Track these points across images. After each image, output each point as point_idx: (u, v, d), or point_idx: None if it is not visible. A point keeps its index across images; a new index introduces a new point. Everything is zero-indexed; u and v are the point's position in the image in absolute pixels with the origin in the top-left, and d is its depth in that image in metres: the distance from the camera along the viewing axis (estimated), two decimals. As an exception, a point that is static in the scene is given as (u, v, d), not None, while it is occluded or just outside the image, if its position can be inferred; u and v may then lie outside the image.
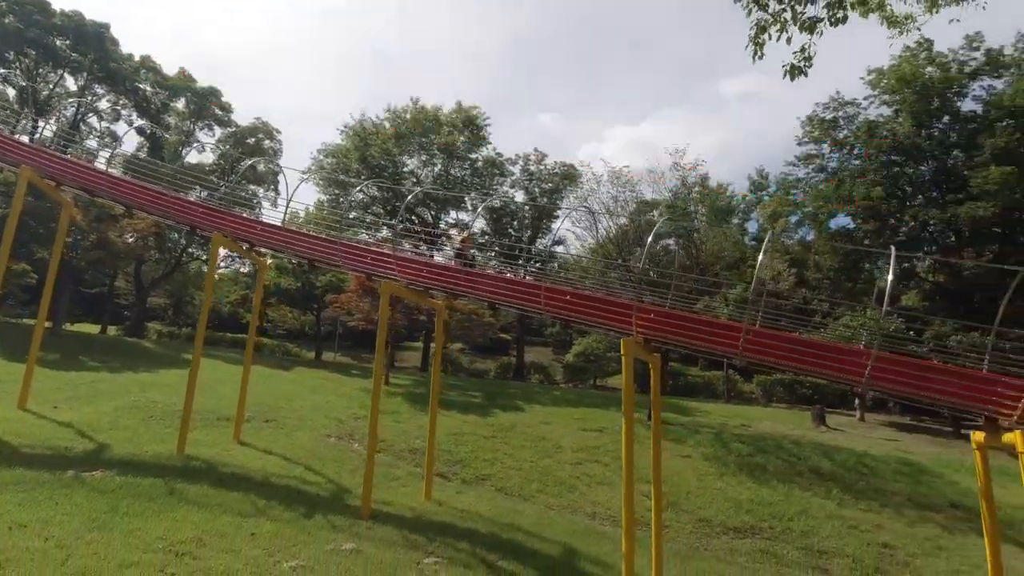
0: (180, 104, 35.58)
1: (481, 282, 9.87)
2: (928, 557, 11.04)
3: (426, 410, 17.26)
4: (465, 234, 13.29)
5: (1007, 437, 7.09)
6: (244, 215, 14.30)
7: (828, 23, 4.53)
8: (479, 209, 33.55)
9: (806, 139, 28.68)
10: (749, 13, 4.43)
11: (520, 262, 17.80)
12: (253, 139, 36.34)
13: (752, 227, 48.83)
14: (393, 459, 13.00)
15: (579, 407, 21.02)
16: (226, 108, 35.82)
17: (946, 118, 24.70)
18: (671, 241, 30.99)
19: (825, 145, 27.92)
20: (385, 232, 28.09)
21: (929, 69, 24.90)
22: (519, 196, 37.76)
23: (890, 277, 7.97)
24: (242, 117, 56.51)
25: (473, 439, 15.20)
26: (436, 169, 34.07)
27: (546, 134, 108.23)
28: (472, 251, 12.70)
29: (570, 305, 8.82)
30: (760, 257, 9.59)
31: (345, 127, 33.60)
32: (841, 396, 28.00)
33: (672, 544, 10.22)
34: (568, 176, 35.99)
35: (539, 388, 29.40)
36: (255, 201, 31.41)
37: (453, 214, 36.47)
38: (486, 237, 36.54)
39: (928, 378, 7.76)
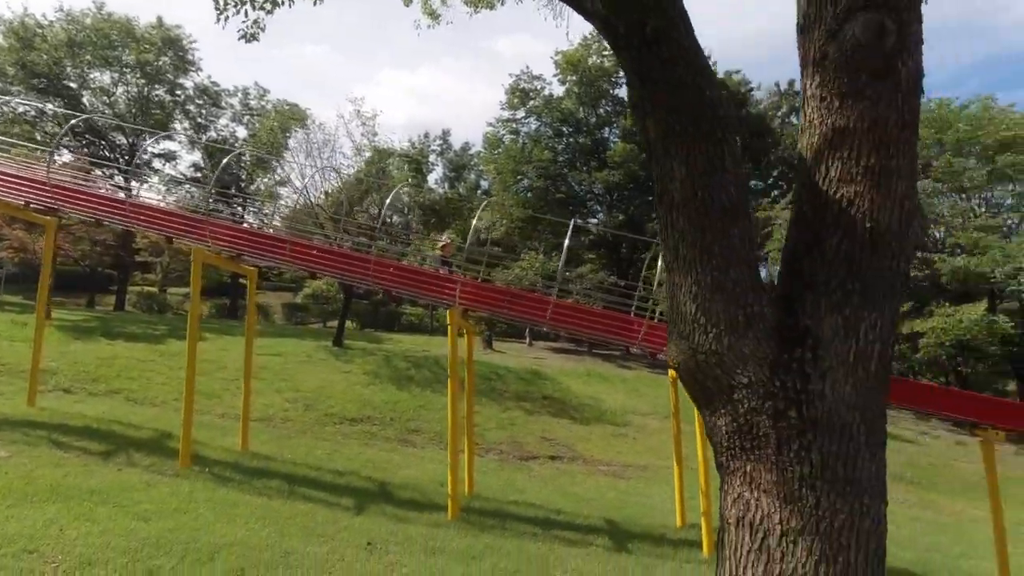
0: None
1: (305, 254, 9.21)
2: (500, 430, 14.67)
3: (84, 340, 16.81)
4: (447, 239, 12.82)
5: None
6: None
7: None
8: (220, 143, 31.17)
9: (506, 106, 32.68)
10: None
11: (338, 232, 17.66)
12: None
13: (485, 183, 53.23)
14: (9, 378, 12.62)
15: (270, 338, 21.94)
16: None
17: (603, 101, 30.55)
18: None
19: (520, 112, 32.28)
20: (68, 157, 24.81)
21: (594, 59, 30.21)
22: (240, 132, 36.15)
23: (567, 243, 9.30)
24: None
25: (125, 361, 15.27)
26: (131, 90, 30.77)
27: (313, 69, 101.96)
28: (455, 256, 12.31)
29: (395, 277, 9.06)
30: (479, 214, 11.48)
31: (-5, 18, 28.05)
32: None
33: (284, 429, 12.07)
34: (295, 117, 35.47)
35: (256, 325, 29.31)
36: None
37: (164, 144, 33.41)
38: (201, 173, 34.35)
39: (585, 319, 9.44)
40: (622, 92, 31.56)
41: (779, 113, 31.60)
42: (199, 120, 33.47)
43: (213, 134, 34.26)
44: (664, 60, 2.44)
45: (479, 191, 51.83)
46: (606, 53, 30.54)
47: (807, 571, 2.24)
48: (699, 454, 8.83)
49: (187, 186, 31.85)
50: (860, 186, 2.46)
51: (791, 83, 32.16)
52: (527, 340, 30.11)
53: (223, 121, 35.54)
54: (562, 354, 27.99)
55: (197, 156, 34.34)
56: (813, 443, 2.32)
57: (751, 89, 32.61)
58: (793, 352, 2.41)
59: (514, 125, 31.84)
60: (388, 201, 17.30)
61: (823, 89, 2.59)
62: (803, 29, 2.70)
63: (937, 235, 22.03)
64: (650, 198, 28.71)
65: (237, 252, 8.79)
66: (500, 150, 32.99)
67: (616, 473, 12.91)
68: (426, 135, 54.29)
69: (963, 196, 21.72)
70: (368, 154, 26.04)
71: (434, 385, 17.75)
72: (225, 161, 14.93)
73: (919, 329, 20.26)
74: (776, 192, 25.50)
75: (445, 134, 53.51)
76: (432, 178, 49.26)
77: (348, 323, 38.23)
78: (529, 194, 29.82)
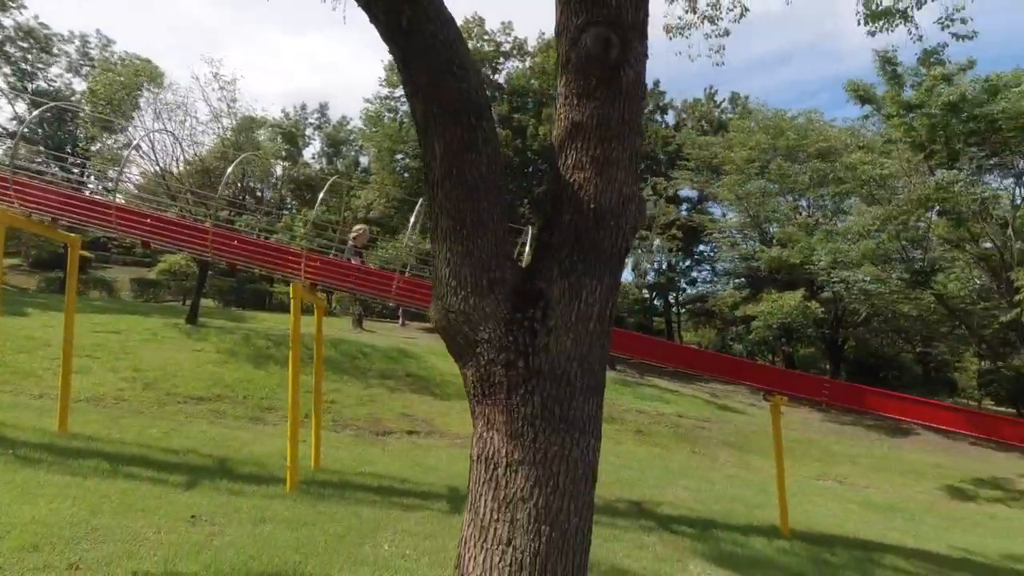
0: None
1: (134, 222, 8.58)
2: (360, 407, 14.69)
3: None
4: (361, 228, 11.30)
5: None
6: None
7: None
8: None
9: (385, 83, 31.97)
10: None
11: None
12: None
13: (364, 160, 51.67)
14: None
15: (112, 315, 20.17)
16: None
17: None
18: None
19: (399, 90, 31.70)
20: None
21: (474, 43, 30.37)
22: (78, 85, 32.33)
23: (413, 219, 9.53)
24: None
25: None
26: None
27: (195, 27, 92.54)
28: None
29: (237, 250, 8.75)
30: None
31: None
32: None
33: (116, 410, 11.31)
34: (146, 74, 32.26)
35: (97, 302, 26.70)
36: None
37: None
38: (28, 129, 30.27)
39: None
40: (500, 78, 32.07)
41: (646, 110, 33.70)
42: (24, 66, 29.50)
43: (43, 84, 30.39)
44: (420, 50, 2.72)
45: (359, 168, 50.33)
46: (486, 37, 30.85)
47: (524, 493, 2.67)
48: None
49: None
50: (588, 172, 2.91)
51: (656, 83, 34.34)
52: (400, 320, 30.00)
53: (56, 70, 31.62)
54: (434, 334, 28.25)
55: (23, 107, 30.26)
56: (536, 388, 2.74)
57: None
58: (527, 312, 2.82)
59: (392, 103, 31.28)
60: (229, 171, 16.33)
61: (567, 88, 3.01)
62: (557, 35, 3.10)
63: (770, 230, 24.71)
64: (524, 184, 29.63)
65: (51, 216, 8.07)
66: (378, 128, 32.31)
67: (469, 445, 13.42)
68: (303, 107, 51.77)
69: (794, 196, 24.56)
70: (226, 121, 24.40)
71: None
72: (37, 113, 13.43)
73: (751, 313, 22.79)
74: (664, 184, 27.10)
75: (323, 107, 51.32)
76: (309, 152, 47.03)
77: (209, 301, 35.91)
78: (407, 174, 29.54)
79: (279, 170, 47.57)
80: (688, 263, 34.71)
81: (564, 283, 2.85)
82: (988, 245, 14.41)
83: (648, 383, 23.79)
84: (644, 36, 3.04)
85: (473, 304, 2.82)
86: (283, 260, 8.61)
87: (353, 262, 9.93)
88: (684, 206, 32.66)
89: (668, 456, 15.15)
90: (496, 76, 31.60)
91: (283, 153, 42.86)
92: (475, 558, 2.72)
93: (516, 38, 30.78)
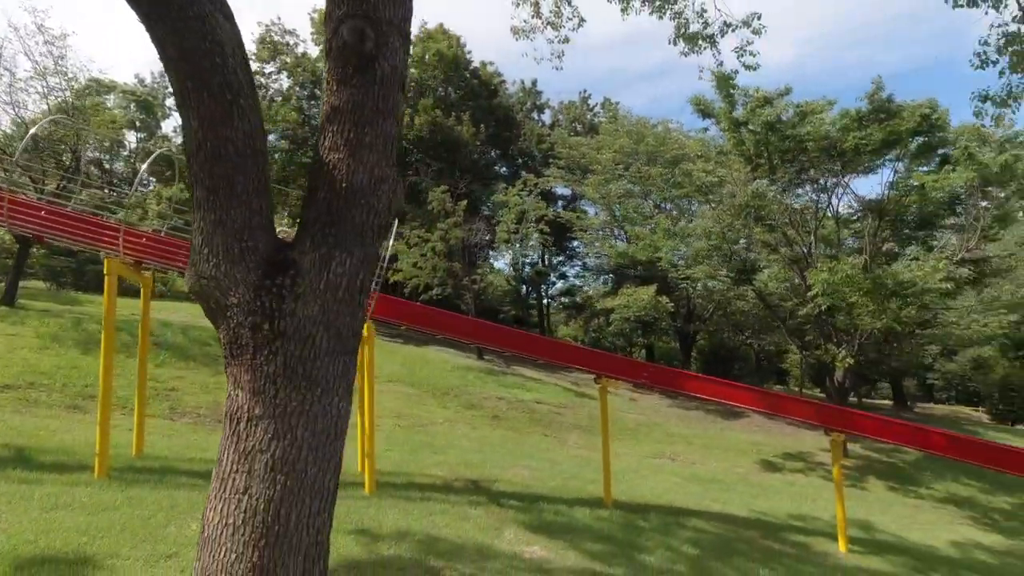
0: None
1: None
2: (205, 394, 14.02)
3: None
4: None
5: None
6: None
7: None
8: None
9: (255, 58, 30.27)
10: None
11: None
12: None
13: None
14: None
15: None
16: None
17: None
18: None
19: (270, 67, 30.21)
20: None
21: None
22: None
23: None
24: None
25: None
26: None
27: None
28: None
29: (46, 221, 8.08)
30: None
31: None
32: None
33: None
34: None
35: None
36: None
37: None
38: None
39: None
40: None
41: (524, 108, 34.70)
42: None
43: None
44: (167, 22, 2.82)
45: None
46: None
47: (262, 445, 2.88)
48: (365, 406, 9.62)
49: None
50: (342, 154, 3.15)
51: (534, 82, 35.50)
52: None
53: None
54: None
55: None
56: (280, 349, 2.96)
57: (502, 82, 35.07)
58: (276, 279, 3.02)
59: (262, 80, 29.67)
60: (32, 132, 14.95)
61: (328, 74, 3.24)
62: (324, 23, 3.32)
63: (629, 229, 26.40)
64: (400, 174, 29.36)
65: None
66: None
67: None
68: (161, 75, 47.41)
69: (652, 198, 26.42)
70: (53, 79, 21.81)
71: (131, 349, 16.12)
72: None
73: (611, 306, 24.33)
74: (519, 179, 27.83)
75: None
76: (171, 125, 43.53)
77: (40, 283, 32.16)
78: (276, 155, 28.22)
79: (132, 142, 43.54)
80: (561, 258, 36.25)
81: (315, 254, 3.08)
82: (798, 249, 16.52)
83: (513, 372, 24.63)
84: (403, 33, 3.33)
85: (224, 271, 2.98)
86: (97, 234, 8.07)
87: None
88: (560, 203, 34.11)
89: (520, 439, 15.89)
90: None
91: (137, 124, 39.19)
92: (215, 508, 2.90)
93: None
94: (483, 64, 34.21)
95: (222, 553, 2.82)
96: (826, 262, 13.68)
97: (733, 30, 8.19)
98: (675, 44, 8.46)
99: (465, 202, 23.43)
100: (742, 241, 17.08)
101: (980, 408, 46.15)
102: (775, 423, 22.67)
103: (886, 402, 38.96)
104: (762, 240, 16.22)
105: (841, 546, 9.89)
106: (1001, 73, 6.98)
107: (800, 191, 17.88)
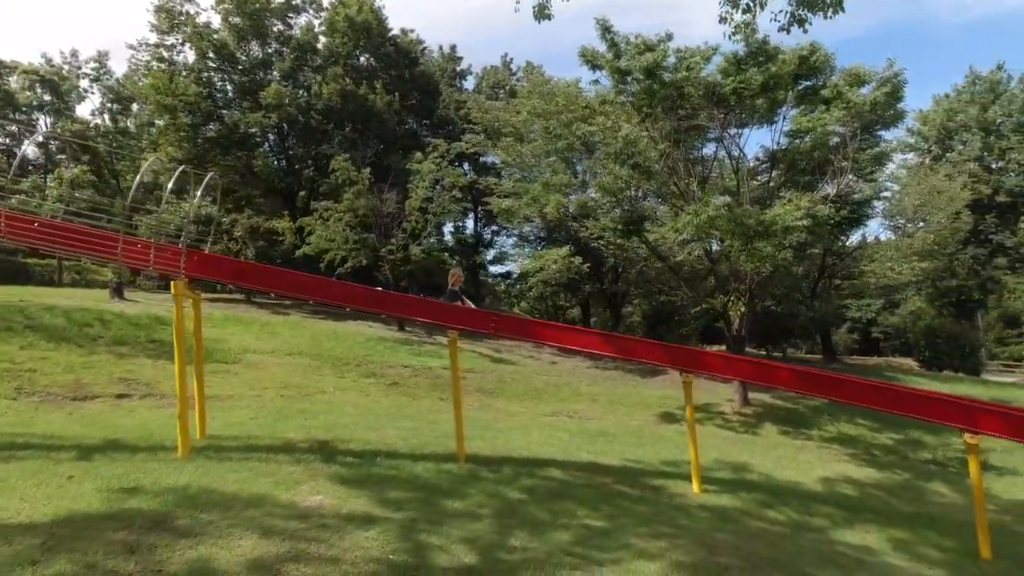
0: None
1: None
2: (66, 374, 13.38)
3: None
4: (456, 271, 9.53)
5: None
6: None
7: None
8: None
9: (154, 28, 28.83)
10: None
11: None
12: None
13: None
14: None
15: None
16: None
17: (267, 39, 29.01)
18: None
19: (170, 38, 28.79)
20: None
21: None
22: None
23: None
24: None
25: None
26: None
27: None
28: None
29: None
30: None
31: None
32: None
33: None
34: None
35: None
36: None
37: None
38: None
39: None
40: (294, 32, 30.36)
41: (445, 75, 33.88)
42: None
43: None
44: None
45: (153, 128, 45.33)
46: (271, -13, 28.96)
47: None
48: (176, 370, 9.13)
49: None
50: None
51: (453, 47, 34.64)
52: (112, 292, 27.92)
53: None
54: (221, 303, 26.58)
55: None
56: None
57: (424, 49, 34.18)
58: None
59: (162, 52, 28.26)
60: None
61: None
62: None
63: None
64: (310, 144, 28.46)
65: None
66: (147, 79, 29.16)
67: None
68: (73, 53, 45.08)
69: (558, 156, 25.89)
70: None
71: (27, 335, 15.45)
72: None
73: (528, 269, 24.12)
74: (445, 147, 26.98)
75: (101, 56, 45.16)
76: (89, 107, 41.43)
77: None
78: (182, 133, 27.00)
79: (41, 124, 41.37)
80: (493, 227, 35.88)
81: None
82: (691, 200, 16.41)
83: (433, 342, 24.33)
84: None
85: None
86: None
87: (458, 304, 10.24)
88: (491, 174, 33.62)
89: (410, 404, 15.62)
90: (291, 31, 29.89)
91: (43, 105, 37.18)
92: None
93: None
94: (403, 31, 33.27)
95: None
96: (695, 205, 13.60)
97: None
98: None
99: (368, 170, 22.77)
100: (637, 192, 16.90)
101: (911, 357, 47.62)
102: (695, 379, 22.88)
103: (817, 356, 39.90)
104: (650, 191, 16.06)
105: (695, 487, 9.89)
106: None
107: (698, 142, 17.77)
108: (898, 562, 7.45)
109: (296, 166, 26.31)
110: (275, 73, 26.88)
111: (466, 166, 35.87)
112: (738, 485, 10.88)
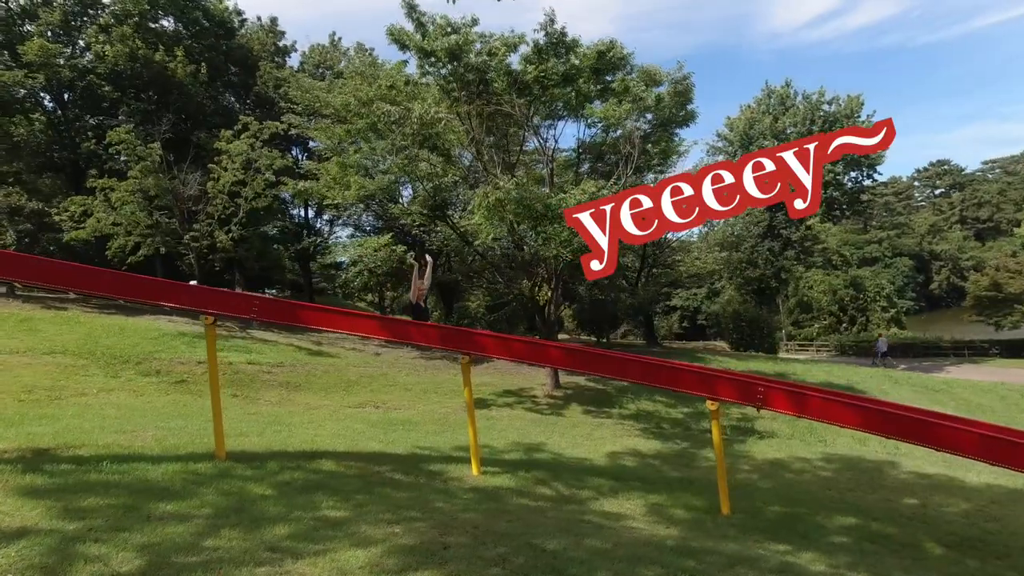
0: None
1: None
2: None
3: None
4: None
5: None
6: None
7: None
8: None
9: None
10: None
11: None
12: None
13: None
14: None
15: None
16: None
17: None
18: None
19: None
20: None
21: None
22: None
23: None
24: None
25: None
26: None
27: None
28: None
29: None
30: None
31: None
32: None
33: None
34: None
35: None
36: None
37: None
38: None
39: None
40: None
41: (266, 49, 31.38)
42: None
43: None
44: None
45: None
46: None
47: None
48: None
49: None
50: None
51: (273, 20, 32.25)
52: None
53: None
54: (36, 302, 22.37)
55: None
56: None
57: (244, 21, 31.44)
58: None
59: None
60: None
61: None
62: None
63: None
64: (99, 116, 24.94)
65: None
66: None
67: None
68: None
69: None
70: None
71: None
72: None
73: (347, 258, 23.05)
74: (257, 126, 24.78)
75: None
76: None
77: None
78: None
79: None
80: (326, 217, 34.04)
81: None
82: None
83: (247, 337, 22.44)
84: None
85: None
86: None
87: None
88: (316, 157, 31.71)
89: (191, 402, 14.08)
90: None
91: None
92: None
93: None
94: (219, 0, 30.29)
95: None
96: (485, 187, 13.72)
97: None
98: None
99: (158, 144, 20.28)
100: (445, 177, 16.65)
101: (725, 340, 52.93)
102: (517, 367, 23.28)
103: (642, 342, 42.99)
104: (457, 175, 15.93)
105: (474, 470, 9.80)
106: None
107: (512, 131, 17.93)
108: (640, 524, 7.80)
109: (77, 138, 22.67)
110: (42, 26, 22.89)
111: (296, 151, 33.66)
112: (521, 465, 11.02)
